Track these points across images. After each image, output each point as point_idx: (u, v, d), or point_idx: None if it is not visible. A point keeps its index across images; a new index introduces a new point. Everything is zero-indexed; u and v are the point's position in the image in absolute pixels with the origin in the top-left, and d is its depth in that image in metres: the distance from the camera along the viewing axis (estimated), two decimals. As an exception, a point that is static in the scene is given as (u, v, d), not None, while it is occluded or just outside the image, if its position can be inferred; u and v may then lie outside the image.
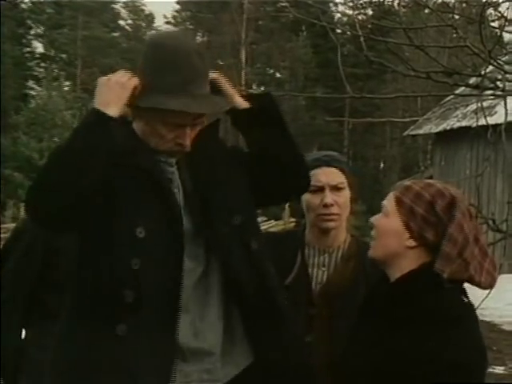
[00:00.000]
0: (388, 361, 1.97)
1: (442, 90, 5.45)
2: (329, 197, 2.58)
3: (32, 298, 3.00)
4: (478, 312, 2.10)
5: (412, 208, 2.04)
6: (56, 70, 35.42)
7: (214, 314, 2.17)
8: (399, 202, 2.06)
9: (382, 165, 42.96)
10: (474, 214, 2.08)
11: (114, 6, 47.26)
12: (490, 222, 3.80)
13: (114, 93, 2.05)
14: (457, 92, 6.35)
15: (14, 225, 14.58)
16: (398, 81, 30.96)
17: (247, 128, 2.29)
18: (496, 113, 10.95)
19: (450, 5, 4.59)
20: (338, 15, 43.29)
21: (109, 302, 2.06)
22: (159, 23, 55.30)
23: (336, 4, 43.78)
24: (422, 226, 2.03)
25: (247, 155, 2.30)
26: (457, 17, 4.43)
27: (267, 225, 20.96)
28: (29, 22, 43.00)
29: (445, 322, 1.97)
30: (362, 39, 4.05)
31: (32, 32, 44.01)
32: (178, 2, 47.09)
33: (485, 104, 4.59)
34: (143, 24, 49.97)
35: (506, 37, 5.96)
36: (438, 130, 17.11)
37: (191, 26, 45.82)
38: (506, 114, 3.97)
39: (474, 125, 5.02)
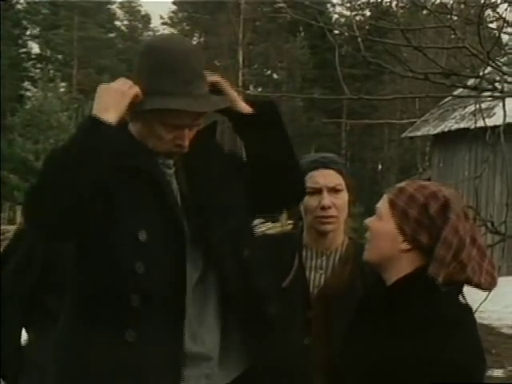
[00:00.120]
0: (385, 364, 1.96)
1: (440, 92, 5.43)
2: (326, 199, 2.57)
3: (32, 298, 3.02)
4: (476, 315, 2.08)
5: (405, 211, 2.02)
6: (52, 71, 35.34)
7: (212, 318, 2.16)
8: (393, 204, 2.04)
9: (379, 166, 42.96)
10: (469, 215, 2.06)
11: (110, 6, 47.19)
12: (489, 224, 3.79)
13: (113, 100, 2.03)
14: (455, 93, 6.35)
15: (10, 227, 14.61)
16: (396, 82, 30.97)
17: (248, 134, 2.28)
18: (494, 114, 10.96)
19: (448, 6, 4.60)
20: (336, 16, 43.33)
21: (114, 306, 2.05)
22: (155, 24, 55.57)
23: (333, 5, 43.79)
24: (416, 229, 2.01)
25: (244, 162, 2.30)
26: (455, 18, 4.43)
27: (264, 227, 20.94)
28: (24, 22, 42.99)
29: (442, 325, 1.95)
30: (359, 40, 4.03)
31: (28, 33, 44.03)
32: (174, 3, 47.03)
33: (483, 105, 4.58)
34: (139, 25, 49.98)
35: (505, 38, 5.96)
36: (436, 131, 17.11)
37: (188, 27, 45.88)
38: (505, 115, 3.96)
39: (473, 126, 5.02)
